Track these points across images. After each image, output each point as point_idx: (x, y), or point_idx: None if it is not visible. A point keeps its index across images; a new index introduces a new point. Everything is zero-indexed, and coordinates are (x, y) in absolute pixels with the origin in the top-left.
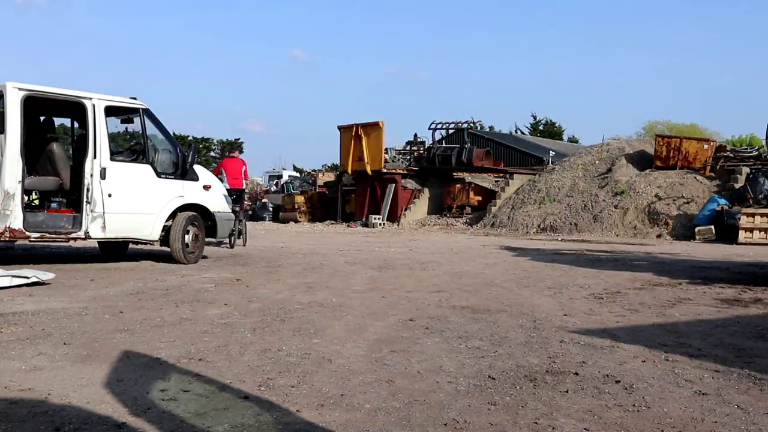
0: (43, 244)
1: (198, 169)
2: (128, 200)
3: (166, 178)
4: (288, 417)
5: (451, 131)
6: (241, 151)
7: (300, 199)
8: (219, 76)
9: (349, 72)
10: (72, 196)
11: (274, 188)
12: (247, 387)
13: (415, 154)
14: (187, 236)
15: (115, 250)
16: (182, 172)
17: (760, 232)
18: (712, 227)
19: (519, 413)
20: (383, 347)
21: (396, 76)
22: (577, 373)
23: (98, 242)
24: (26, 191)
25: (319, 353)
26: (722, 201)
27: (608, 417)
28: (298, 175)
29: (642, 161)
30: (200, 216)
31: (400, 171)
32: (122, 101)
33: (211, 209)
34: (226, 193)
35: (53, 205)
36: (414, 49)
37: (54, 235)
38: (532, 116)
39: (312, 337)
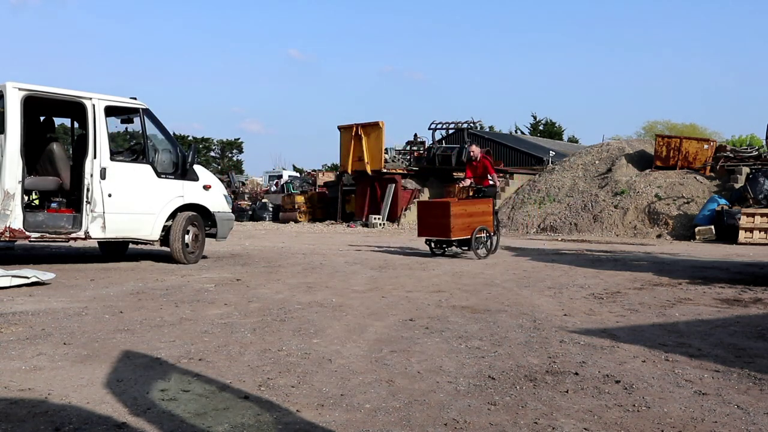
0: (43, 244)
1: (198, 169)
2: (128, 200)
3: (166, 178)
4: (288, 417)
5: (451, 131)
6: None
7: (300, 199)
8: (217, 76)
9: (348, 72)
10: (72, 196)
11: (274, 188)
12: (247, 387)
13: (415, 154)
14: (187, 236)
15: (115, 250)
16: (182, 172)
17: (760, 232)
18: (712, 227)
19: (519, 413)
20: (383, 347)
21: (395, 76)
22: (577, 373)
23: (98, 242)
24: (26, 191)
25: (319, 353)
26: (722, 201)
27: (608, 417)
28: (298, 175)
29: (642, 161)
30: (200, 216)
31: (400, 171)
32: (122, 101)
33: (211, 209)
34: (227, 193)
35: (53, 205)
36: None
37: (54, 235)
38: (532, 116)
39: (312, 337)
